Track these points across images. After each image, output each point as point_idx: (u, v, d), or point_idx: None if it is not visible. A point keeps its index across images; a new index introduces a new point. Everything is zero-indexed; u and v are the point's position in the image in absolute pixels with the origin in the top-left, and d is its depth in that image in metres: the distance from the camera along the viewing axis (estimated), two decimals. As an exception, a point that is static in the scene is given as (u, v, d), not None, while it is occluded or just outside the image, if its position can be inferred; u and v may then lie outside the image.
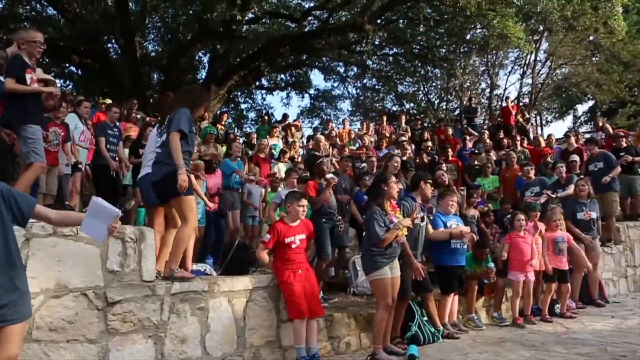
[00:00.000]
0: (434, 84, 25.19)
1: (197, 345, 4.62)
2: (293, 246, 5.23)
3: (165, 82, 17.80)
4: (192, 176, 5.59)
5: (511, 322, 7.27)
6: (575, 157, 10.42)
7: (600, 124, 14.15)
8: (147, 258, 4.46)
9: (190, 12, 17.22)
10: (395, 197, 5.66)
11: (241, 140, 13.53)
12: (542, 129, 21.89)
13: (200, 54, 21.27)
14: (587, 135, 15.46)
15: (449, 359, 5.45)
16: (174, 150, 4.69)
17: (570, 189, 9.01)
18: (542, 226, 7.81)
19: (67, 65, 19.44)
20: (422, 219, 6.04)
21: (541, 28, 20.46)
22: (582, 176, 9.65)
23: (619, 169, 9.91)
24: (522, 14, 16.07)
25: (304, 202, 5.46)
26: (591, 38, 20.65)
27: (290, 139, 13.39)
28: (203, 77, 19.18)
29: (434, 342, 6.06)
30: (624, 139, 11.17)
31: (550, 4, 14.14)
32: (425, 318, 6.23)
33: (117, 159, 7.67)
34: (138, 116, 10.14)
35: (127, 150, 8.28)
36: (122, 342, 4.19)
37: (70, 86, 20.03)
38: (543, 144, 12.74)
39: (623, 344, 5.99)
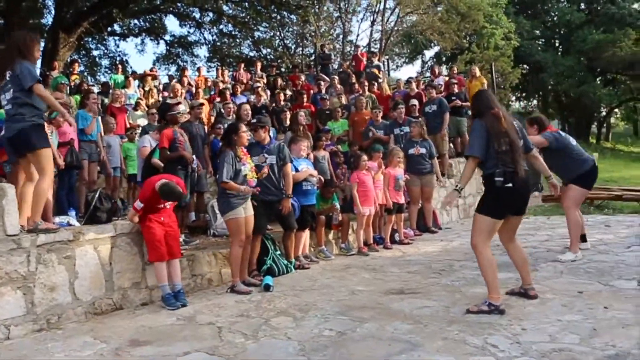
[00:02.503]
0: (289, 29, 25.56)
1: (66, 291, 4.86)
2: (162, 207, 5.54)
3: (5, 28, 16.45)
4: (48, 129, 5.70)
5: (357, 251, 8.13)
6: (415, 102, 11.46)
7: (437, 71, 15.63)
8: (10, 213, 4.60)
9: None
10: (246, 144, 6.10)
11: (96, 90, 13.13)
12: (389, 74, 23.23)
13: (45, -3, 19.84)
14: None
15: (300, 285, 6.14)
16: (47, 99, 4.99)
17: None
18: (383, 165, 8.77)
19: None
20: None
21: (389, -23, 21.65)
22: (418, 118, 10.77)
23: (447, 115, 11.20)
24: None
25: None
26: (433, -11, 22.27)
27: (146, 88, 13.23)
28: (49, 22, 17.90)
29: (287, 273, 6.75)
30: (457, 86, 12.58)
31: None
32: (279, 252, 6.87)
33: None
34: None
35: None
36: (-10, 296, 4.35)
37: None
38: (388, 90, 13.85)
39: (445, 260, 7.11)
